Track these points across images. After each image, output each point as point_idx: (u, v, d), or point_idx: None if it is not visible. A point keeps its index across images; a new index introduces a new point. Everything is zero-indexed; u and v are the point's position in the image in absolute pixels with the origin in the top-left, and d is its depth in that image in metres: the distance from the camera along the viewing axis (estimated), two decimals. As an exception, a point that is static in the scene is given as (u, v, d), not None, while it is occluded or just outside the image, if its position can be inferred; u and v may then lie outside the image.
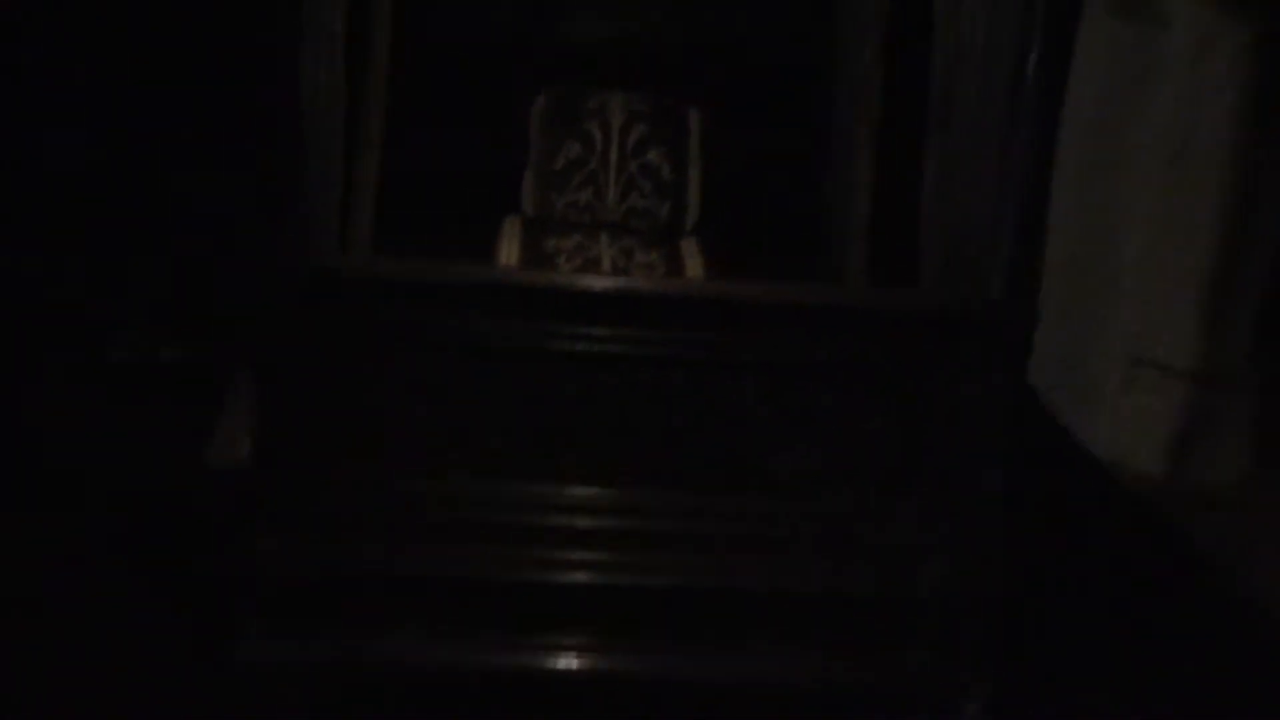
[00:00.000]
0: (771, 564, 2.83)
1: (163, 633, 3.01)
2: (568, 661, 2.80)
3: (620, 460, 2.77)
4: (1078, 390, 3.86)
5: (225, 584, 2.77)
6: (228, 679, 2.72)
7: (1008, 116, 2.90)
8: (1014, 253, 2.76)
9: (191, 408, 3.73)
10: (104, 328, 4.14)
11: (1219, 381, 3.67)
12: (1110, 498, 3.72)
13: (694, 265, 3.95)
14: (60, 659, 2.93)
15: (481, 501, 2.79)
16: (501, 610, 2.82)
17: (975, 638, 2.84)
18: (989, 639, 2.84)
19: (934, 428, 2.80)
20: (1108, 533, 3.70)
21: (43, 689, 2.82)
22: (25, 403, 3.77)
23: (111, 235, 4.16)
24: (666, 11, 4.55)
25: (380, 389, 2.75)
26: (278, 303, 2.73)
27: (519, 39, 4.47)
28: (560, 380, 2.73)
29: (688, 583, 2.82)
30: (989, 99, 2.94)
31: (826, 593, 2.85)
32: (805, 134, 4.34)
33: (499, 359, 2.73)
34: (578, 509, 2.80)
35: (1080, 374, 3.86)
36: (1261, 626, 3.28)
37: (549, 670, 2.81)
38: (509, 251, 3.93)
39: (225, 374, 3.66)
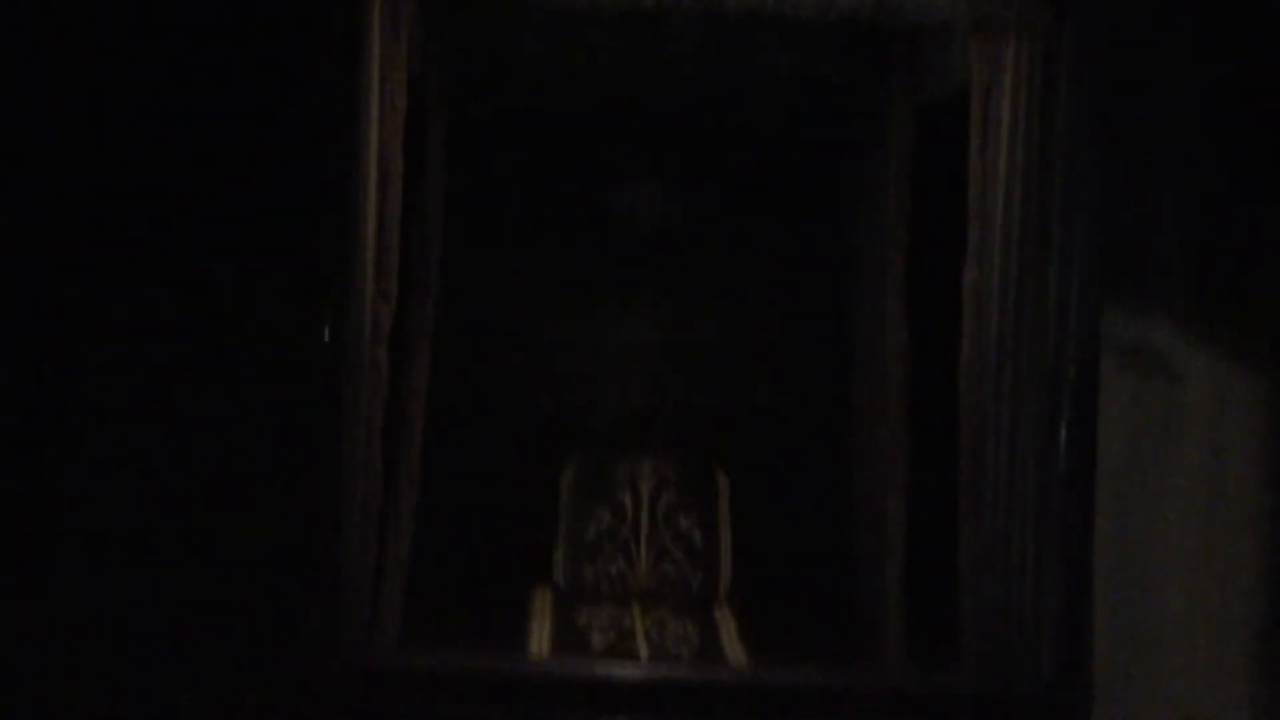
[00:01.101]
0: None
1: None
2: None
3: None
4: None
5: None
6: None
7: (1040, 489, 2.91)
8: (1062, 630, 2.69)
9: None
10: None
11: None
12: None
13: (730, 636, 3.87)
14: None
15: None
16: None
17: None
18: None
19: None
20: None
21: None
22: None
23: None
24: (692, 380, 4.71)
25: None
26: (310, 699, 2.66)
27: (547, 408, 4.59)
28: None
29: None
30: (1019, 474, 2.97)
31: None
32: (833, 493, 4.36)
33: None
34: None
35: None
36: None
37: None
38: (540, 628, 3.86)
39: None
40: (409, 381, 3.67)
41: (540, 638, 3.80)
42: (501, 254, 4.79)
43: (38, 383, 2.85)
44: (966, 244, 3.14)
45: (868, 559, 4.02)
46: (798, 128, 4.60)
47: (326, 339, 2.75)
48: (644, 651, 3.79)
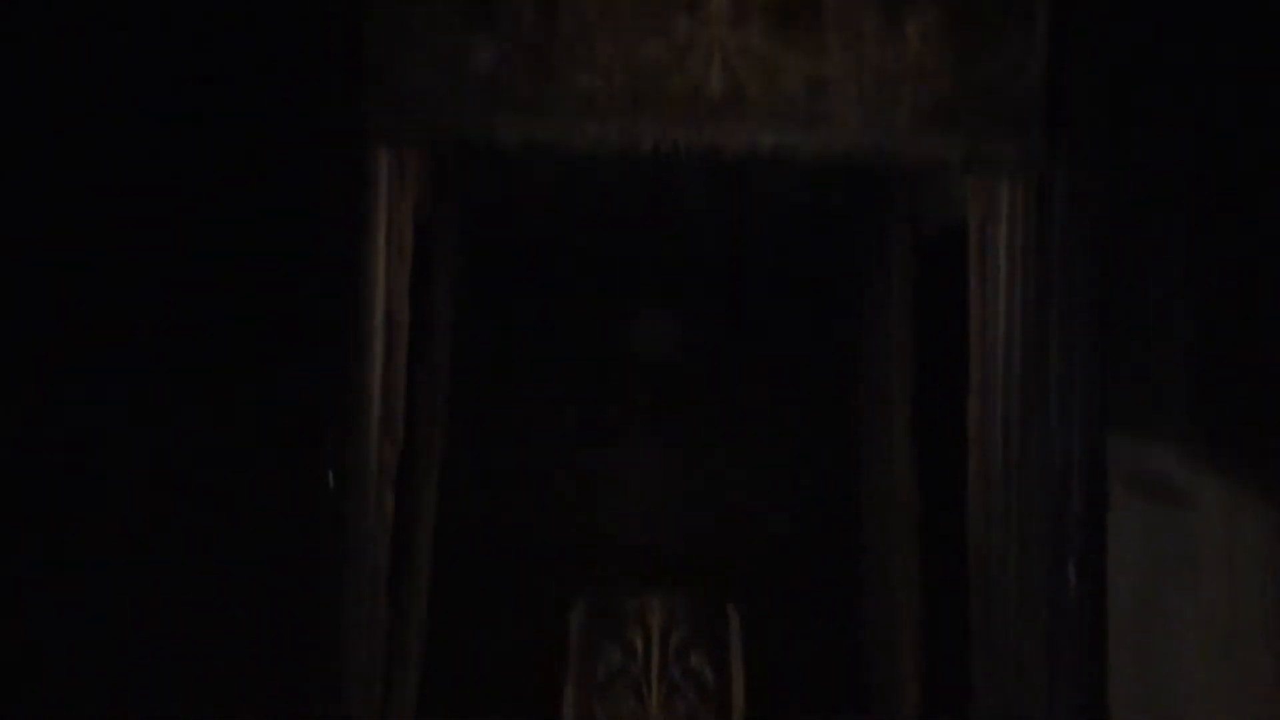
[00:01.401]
0: None
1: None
2: None
3: None
4: None
5: None
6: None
7: (1052, 624, 2.88)
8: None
9: None
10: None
11: None
12: None
13: (744, 781, 3.79)
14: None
15: None
16: None
17: None
18: None
19: None
20: None
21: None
22: None
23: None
24: (701, 513, 4.70)
25: None
26: None
27: (556, 544, 4.57)
28: None
29: None
30: (1029, 608, 2.94)
31: None
32: (847, 623, 4.30)
33: None
34: None
35: None
36: None
37: None
38: (552, 768, 3.79)
39: None
40: (416, 521, 3.66)
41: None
42: (510, 388, 4.82)
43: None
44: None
45: (882, 691, 3.96)
46: (802, 260, 4.67)
47: (331, 484, 2.75)
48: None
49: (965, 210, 3.23)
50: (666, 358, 4.89)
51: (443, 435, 3.85)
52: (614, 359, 4.88)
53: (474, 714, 4.07)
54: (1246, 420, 3.14)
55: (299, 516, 2.77)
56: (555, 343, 4.85)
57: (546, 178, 4.19)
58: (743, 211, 4.37)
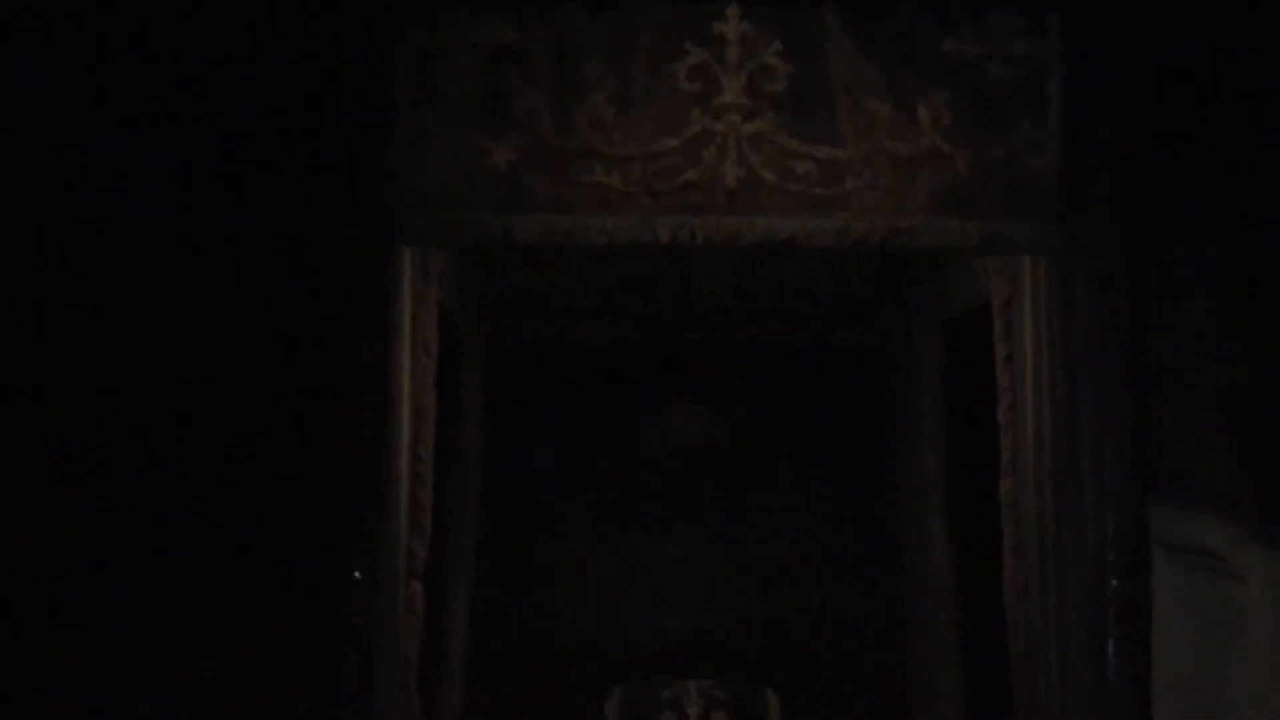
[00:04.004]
0: None
1: None
2: None
3: None
4: None
5: None
6: None
7: (1095, 702, 2.83)
8: None
9: None
10: None
11: None
12: None
13: None
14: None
15: None
16: None
17: None
18: None
19: None
20: None
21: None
22: None
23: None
24: (737, 597, 4.67)
25: None
26: None
27: (592, 633, 4.54)
28: None
29: None
30: (1071, 685, 2.89)
31: None
32: (884, 709, 4.24)
33: None
34: None
35: None
36: None
37: None
38: None
39: None
40: (449, 614, 3.66)
41: None
42: (543, 479, 4.82)
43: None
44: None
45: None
46: (829, 343, 4.67)
47: (358, 576, 2.75)
48: None
49: (987, 290, 3.23)
50: (699, 442, 4.88)
51: (475, 526, 3.86)
52: (646, 447, 4.89)
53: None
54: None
55: (327, 611, 2.77)
56: (586, 433, 4.86)
57: (572, 274, 4.24)
58: (770, 297, 4.39)
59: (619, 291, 4.29)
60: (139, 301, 2.88)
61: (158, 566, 2.83)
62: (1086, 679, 2.89)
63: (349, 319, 2.83)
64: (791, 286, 4.31)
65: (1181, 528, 3.07)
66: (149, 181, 2.84)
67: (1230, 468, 2.99)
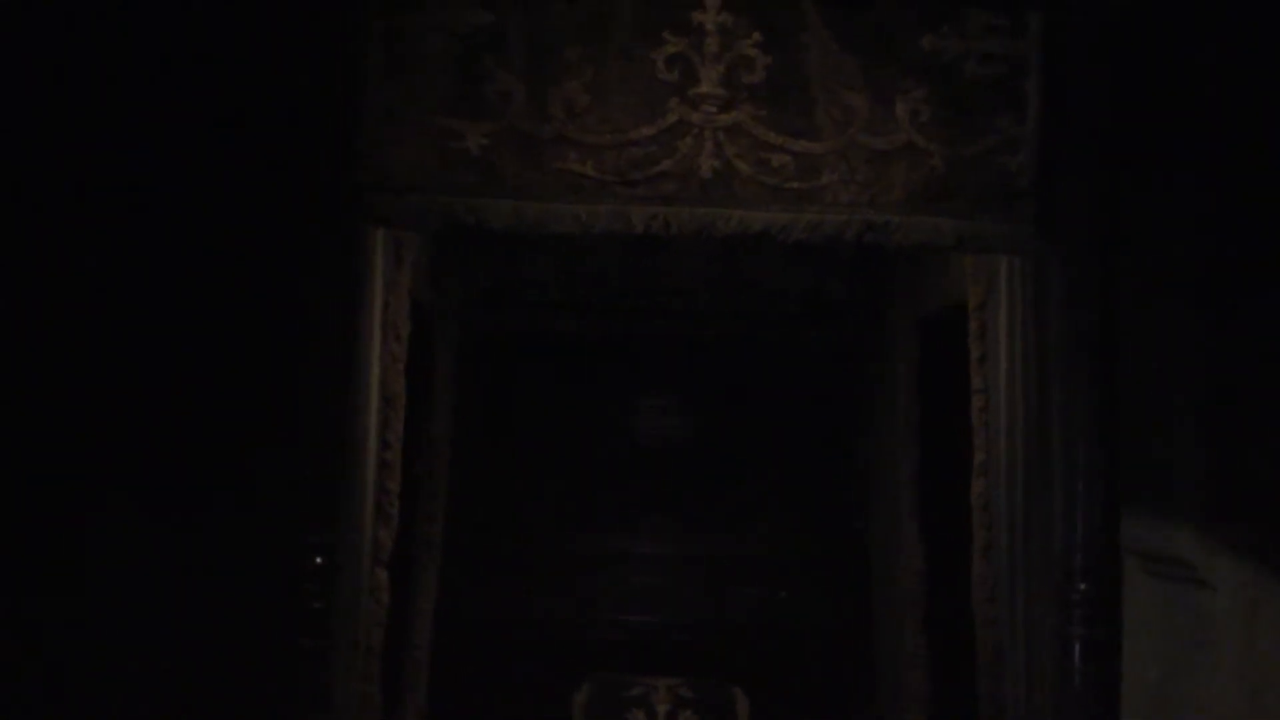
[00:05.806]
0: None
1: None
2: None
3: None
4: None
5: None
6: None
7: (1061, 707, 2.82)
8: None
9: None
10: None
11: None
12: None
13: None
14: None
15: None
16: None
17: None
18: None
19: None
20: None
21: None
22: None
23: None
24: (707, 594, 4.65)
25: None
26: None
27: (560, 627, 4.52)
28: None
29: None
30: (1037, 690, 2.88)
31: None
32: (850, 709, 4.23)
33: None
34: None
35: None
36: None
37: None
38: None
39: None
40: (415, 603, 3.63)
41: None
42: (512, 470, 4.81)
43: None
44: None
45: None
46: (804, 341, 4.66)
47: (319, 561, 2.71)
48: None
49: (963, 291, 3.22)
50: (671, 437, 4.88)
51: (442, 516, 3.83)
52: (618, 440, 4.88)
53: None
54: (1265, 497, 3.08)
55: (288, 597, 2.73)
56: (557, 425, 4.85)
57: (545, 263, 4.22)
58: (744, 293, 4.38)
59: (593, 284, 4.26)
60: (102, 284, 2.85)
61: (115, 550, 2.80)
62: (1054, 682, 2.87)
63: (317, 301, 2.79)
64: (766, 284, 4.30)
65: (1153, 537, 3.06)
66: (112, 163, 2.81)
67: (1204, 477, 2.98)
